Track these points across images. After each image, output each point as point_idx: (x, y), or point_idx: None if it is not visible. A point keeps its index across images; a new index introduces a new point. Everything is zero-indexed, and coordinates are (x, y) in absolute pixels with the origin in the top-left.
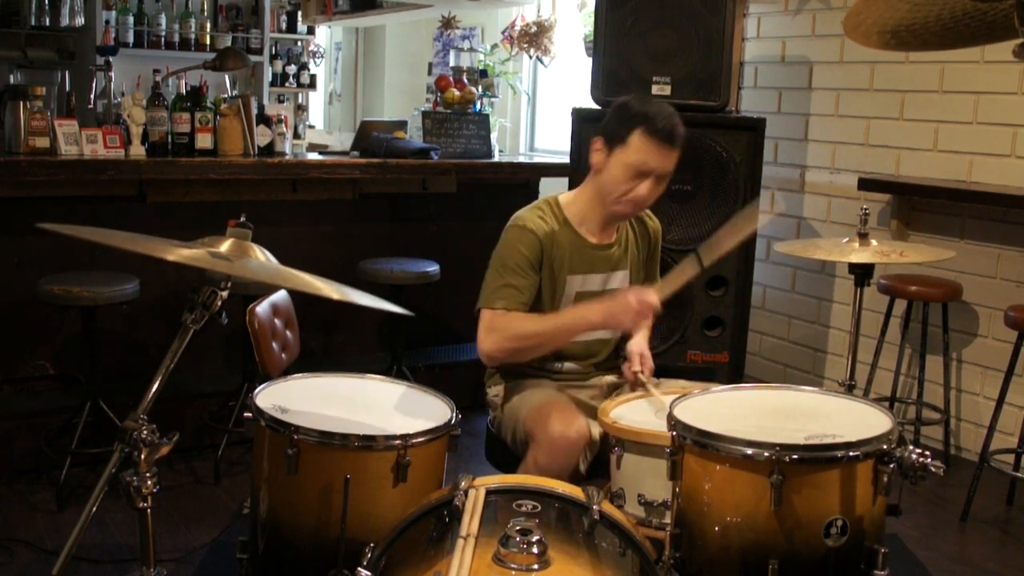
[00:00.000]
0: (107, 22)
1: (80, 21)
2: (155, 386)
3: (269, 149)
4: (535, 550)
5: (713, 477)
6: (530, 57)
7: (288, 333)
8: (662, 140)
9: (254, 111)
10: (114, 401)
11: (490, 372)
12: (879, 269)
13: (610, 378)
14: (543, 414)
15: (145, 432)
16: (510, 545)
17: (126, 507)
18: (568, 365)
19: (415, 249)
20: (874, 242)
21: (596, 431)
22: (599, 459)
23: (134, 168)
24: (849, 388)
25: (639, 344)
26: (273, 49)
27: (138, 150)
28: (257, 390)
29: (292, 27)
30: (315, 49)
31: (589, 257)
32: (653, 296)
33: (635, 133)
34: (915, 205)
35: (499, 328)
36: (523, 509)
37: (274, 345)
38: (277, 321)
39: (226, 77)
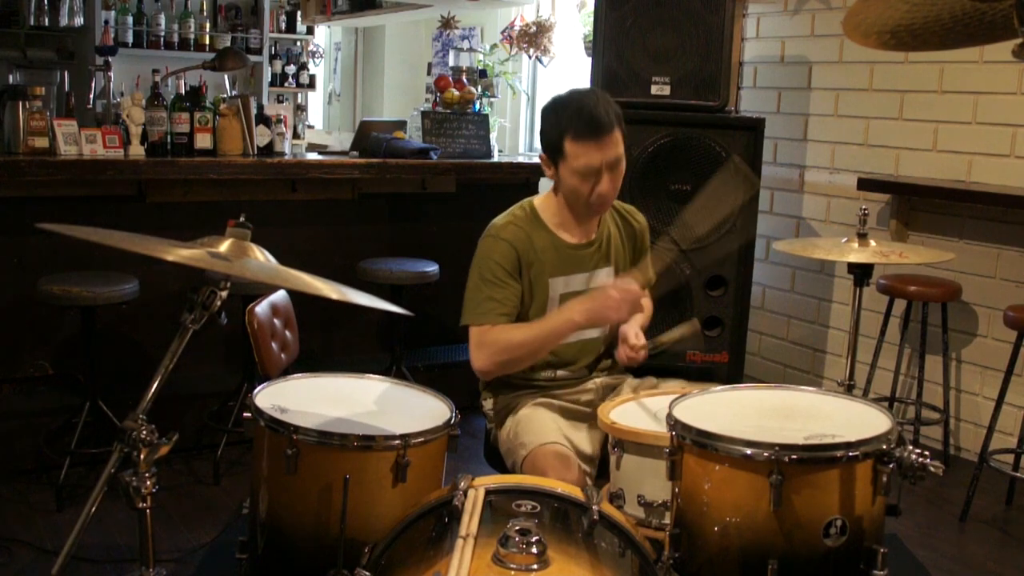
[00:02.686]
0: (106, 22)
1: (79, 21)
2: (154, 386)
3: (268, 149)
4: (534, 550)
5: (712, 477)
6: (529, 57)
7: (287, 333)
8: (592, 137)
9: (253, 111)
10: (114, 401)
11: (483, 383)
12: (878, 269)
13: (604, 379)
14: (539, 466)
15: (144, 432)
16: (509, 545)
17: (126, 507)
18: (561, 372)
19: (414, 249)
20: (873, 242)
21: (596, 442)
22: (599, 460)
23: (133, 168)
24: (848, 388)
25: (631, 327)
26: (272, 49)
27: (137, 150)
28: (256, 390)
29: (291, 27)
30: (314, 49)
31: (569, 257)
32: (633, 284)
33: (566, 142)
34: (914, 205)
35: (487, 344)
36: (522, 509)
37: (273, 345)
38: (276, 321)
39: (225, 77)
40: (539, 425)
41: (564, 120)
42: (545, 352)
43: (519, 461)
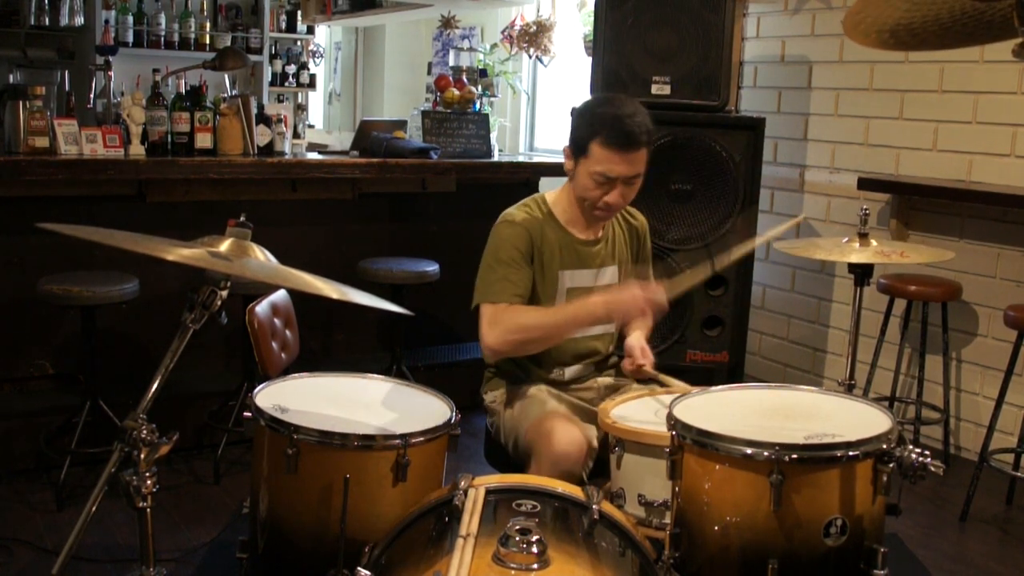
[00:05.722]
0: (107, 22)
1: (80, 21)
2: (155, 386)
3: (269, 149)
4: (535, 550)
5: (713, 477)
6: (530, 57)
7: (288, 333)
8: (621, 147)
9: (254, 111)
10: (114, 401)
11: (487, 377)
12: (879, 269)
13: (607, 379)
14: (544, 430)
15: (145, 432)
16: (510, 545)
17: (126, 507)
18: (570, 371)
19: (415, 249)
20: (874, 242)
21: (594, 435)
22: (599, 459)
23: (133, 168)
24: (849, 388)
25: (638, 339)
26: (273, 49)
27: (137, 150)
28: (257, 390)
29: (292, 27)
30: (315, 49)
31: (577, 252)
32: (661, 293)
33: (594, 144)
34: (915, 205)
35: (502, 322)
36: (523, 509)
37: (274, 345)
38: (277, 321)
39: (226, 77)
40: (544, 401)
41: (598, 122)
42: (558, 340)
43: (522, 434)
